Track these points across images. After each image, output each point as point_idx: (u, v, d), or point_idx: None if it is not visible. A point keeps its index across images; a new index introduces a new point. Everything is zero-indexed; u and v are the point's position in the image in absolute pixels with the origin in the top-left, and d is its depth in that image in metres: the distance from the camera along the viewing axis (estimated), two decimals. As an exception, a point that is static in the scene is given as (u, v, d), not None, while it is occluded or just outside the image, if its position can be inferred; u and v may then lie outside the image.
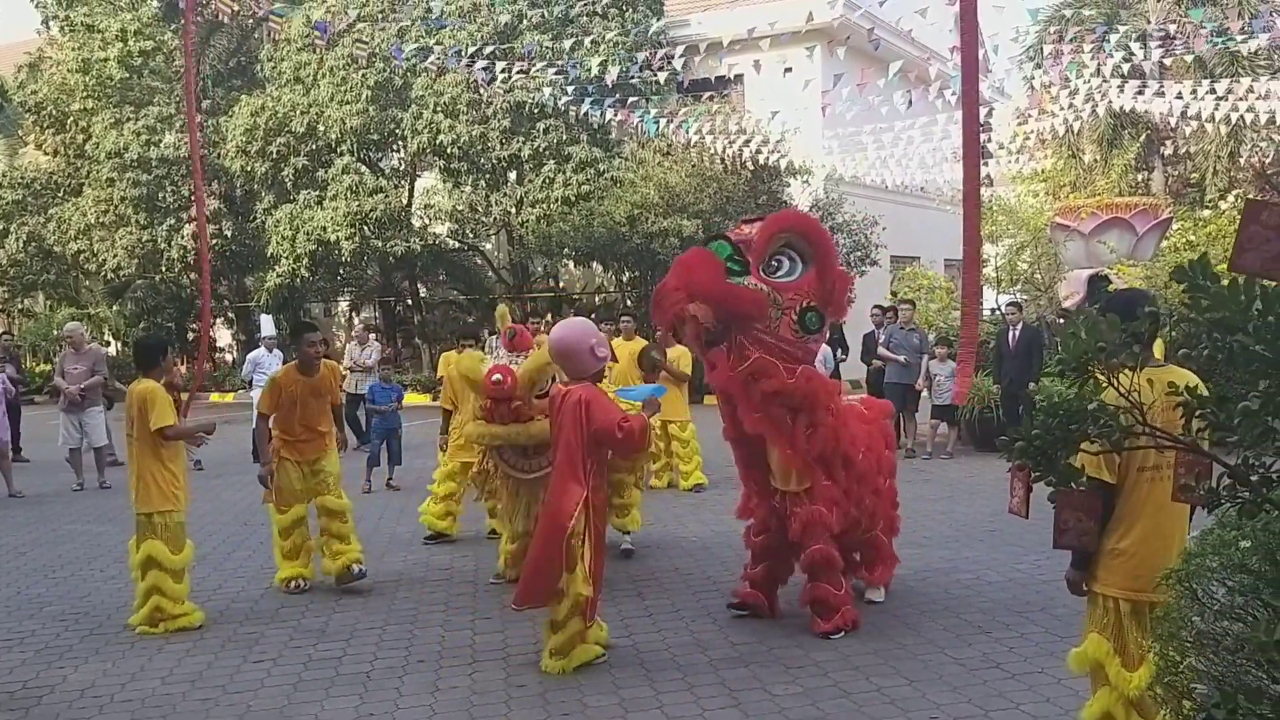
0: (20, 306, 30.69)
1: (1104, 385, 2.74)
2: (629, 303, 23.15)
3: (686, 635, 6.53)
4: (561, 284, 26.78)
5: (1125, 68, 15.83)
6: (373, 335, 16.96)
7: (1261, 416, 2.35)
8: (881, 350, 14.01)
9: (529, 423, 6.94)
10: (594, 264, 23.84)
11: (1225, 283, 2.38)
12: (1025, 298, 17.20)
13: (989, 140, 19.60)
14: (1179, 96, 16.09)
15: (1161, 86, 16.72)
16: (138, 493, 6.99)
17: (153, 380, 7.09)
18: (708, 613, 6.98)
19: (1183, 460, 3.17)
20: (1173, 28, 15.26)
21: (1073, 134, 19.58)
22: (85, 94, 25.66)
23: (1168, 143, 21.26)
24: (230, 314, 28.92)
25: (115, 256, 25.16)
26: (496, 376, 6.82)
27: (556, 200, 21.83)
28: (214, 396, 25.37)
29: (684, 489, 11.47)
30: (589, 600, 5.90)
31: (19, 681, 6.06)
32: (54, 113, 26.64)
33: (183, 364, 25.86)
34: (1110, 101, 16.95)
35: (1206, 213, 19.47)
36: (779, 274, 6.40)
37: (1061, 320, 14.51)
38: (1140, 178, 21.01)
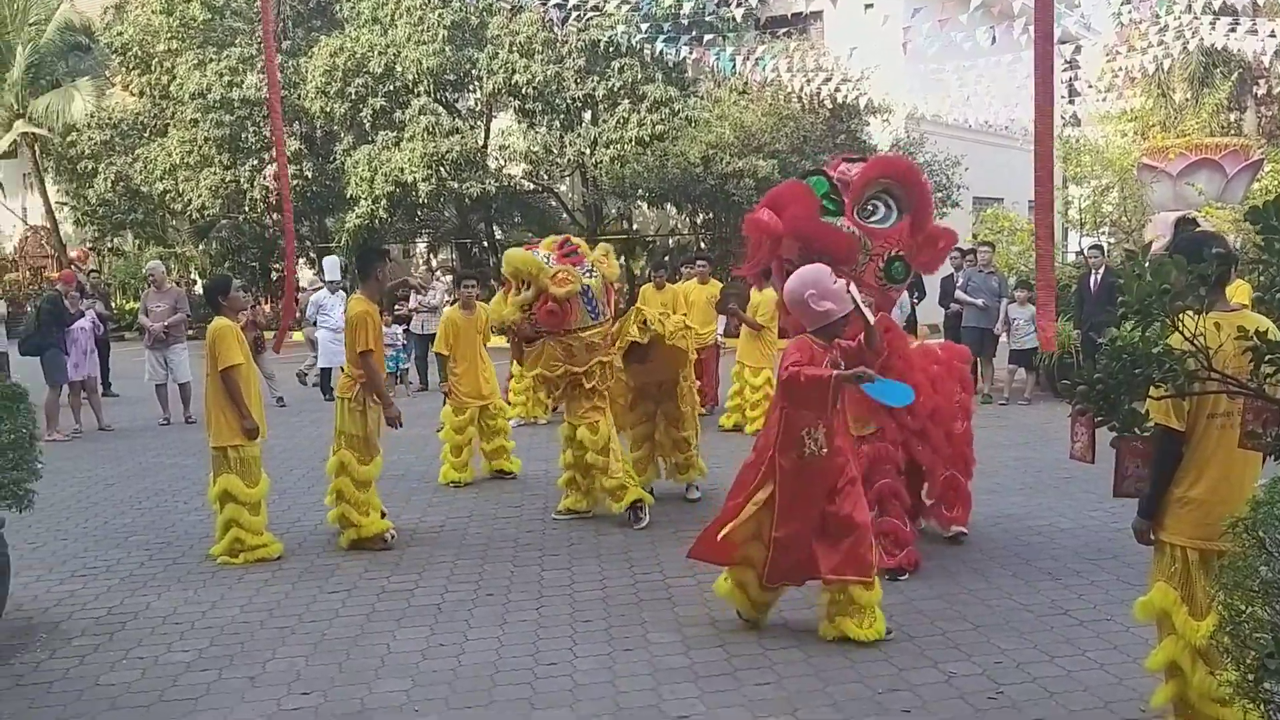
0: (110, 245, 31.39)
1: (1171, 329, 2.67)
2: (703, 245, 23.01)
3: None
4: (635, 226, 26.69)
5: (1217, 4, 15.22)
6: (437, 275, 17.23)
7: (1332, 362, 2.28)
8: (959, 294, 13.70)
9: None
10: (668, 205, 23.69)
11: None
12: (1110, 240, 16.78)
13: (1075, 79, 19.05)
14: (1272, 34, 15.45)
15: (1255, 24, 16.07)
16: (213, 427, 7.18)
17: (225, 319, 7.26)
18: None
19: (1250, 406, 3.08)
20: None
21: (1162, 72, 18.95)
22: (169, 35, 26.02)
23: (1261, 82, 20.45)
24: (312, 254, 29.30)
25: (200, 196, 25.58)
26: None
27: (630, 140, 21.68)
28: (296, 335, 25.78)
29: (749, 433, 11.45)
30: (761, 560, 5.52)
31: (105, 607, 6.29)
32: (139, 54, 27.04)
33: (266, 304, 26.34)
34: (1201, 39, 16.33)
35: (1299, 155, 18.79)
36: (873, 219, 6.35)
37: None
38: (1232, 118, 20.31)
